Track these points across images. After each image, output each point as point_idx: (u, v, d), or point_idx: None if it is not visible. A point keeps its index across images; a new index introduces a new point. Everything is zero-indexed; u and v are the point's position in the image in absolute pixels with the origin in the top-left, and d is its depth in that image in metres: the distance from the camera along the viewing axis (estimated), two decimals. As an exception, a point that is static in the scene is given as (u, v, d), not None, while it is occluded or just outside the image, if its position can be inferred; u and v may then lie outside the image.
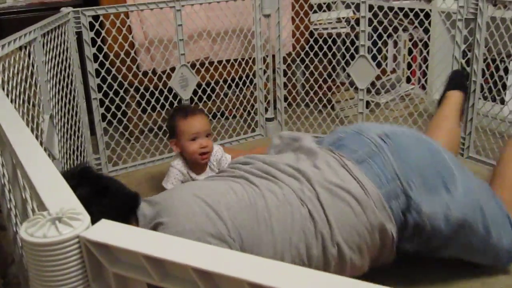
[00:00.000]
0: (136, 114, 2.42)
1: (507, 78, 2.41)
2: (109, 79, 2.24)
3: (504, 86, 2.39)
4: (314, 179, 1.32)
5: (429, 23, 2.53)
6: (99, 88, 2.22)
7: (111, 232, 0.44)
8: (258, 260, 0.40)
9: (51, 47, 1.87)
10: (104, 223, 0.46)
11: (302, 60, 2.63)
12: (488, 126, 2.28)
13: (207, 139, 1.89)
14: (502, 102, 2.44)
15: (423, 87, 2.90)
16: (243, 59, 2.59)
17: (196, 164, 1.93)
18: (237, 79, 2.60)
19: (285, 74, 2.59)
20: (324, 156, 1.41)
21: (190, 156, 1.89)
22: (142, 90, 2.36)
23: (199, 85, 2.44)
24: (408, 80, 3.00)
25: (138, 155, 2.41)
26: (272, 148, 1.65)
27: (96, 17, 2.17)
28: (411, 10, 2.39)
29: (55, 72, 1.89)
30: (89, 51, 2.16)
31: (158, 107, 2.42)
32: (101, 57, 2.20)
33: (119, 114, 2.32)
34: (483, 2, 2.07)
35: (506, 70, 2.32)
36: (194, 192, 1.26)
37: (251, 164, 1.43)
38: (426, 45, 2.59)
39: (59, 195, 0.52)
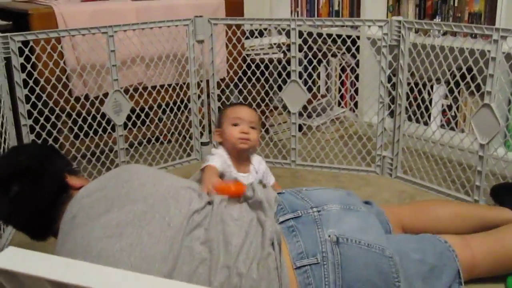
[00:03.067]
0: (68, 140, 2.39)
1: (429, 101, 2.53)
2: (39, 105, 2.20)
3: (427, 109, 2.51)
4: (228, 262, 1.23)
5: (357, 49, 2.63)
6: (29, 114, 2.18)
7: (17, 259, 0.45)
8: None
9: (-23, 73, 1.83)
10: (11, 250, 0.46)
11: (236, 85, 2.67)
12: (413, 146, 2.39)
13: (251, 129, 1.84)
14: (426, 123, 2.57)
15: (353, 110, 3.00)
16: (177, 84, 2.61)
17: (237, 155, 1.85)
18: (171, 104, 2.62)
19: (219, 98, 2.62)
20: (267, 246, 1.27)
21: (229, 140, 1.82)
22: (74, 115, 2.33)
23: (133, 110, 2.43)
24: (339, 104, 3.10)
25: (71, 181, 2.37)
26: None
27: (26, 42, 2.14)
28: (339, 36, 2.49)
29: (-19, 99, 1.85)
30: (19, 76, 2.13)
31: (91, 132, 2.40)
32: (31, 82, 2.17)
33: (50, 141, 2.28)
34: (405, 29, 2.19)
35: (428, 94, 2.44)
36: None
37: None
38: (354, 70, 2.68)
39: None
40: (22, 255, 0.46)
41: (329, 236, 1.30)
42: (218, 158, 1.79)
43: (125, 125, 2.42)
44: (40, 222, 1.36)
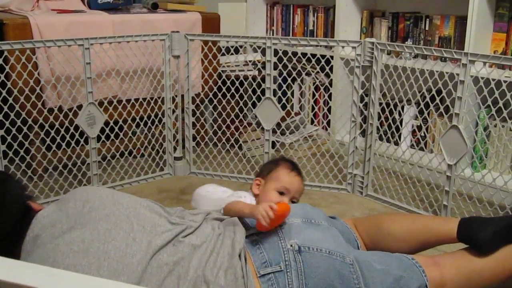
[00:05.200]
0: (40, 152, 2.37)
1: (400, 121, 2.59)
2: (12, 115, 2.18)
3: (398, 129, 2.57)
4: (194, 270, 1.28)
5: (330, 69, 2.68)
6: (1, 124, 2.16)
7: (2, 268, 0.46)
8: None
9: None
10: (-7, 259, 0.47)
11: (211, 101, 2.69)
12: (384, 165, 2.44)
13: (291, 202, 1.69)
14: (396, 143, 2.62)
15: (326, 128, 3.04)
16: (152, 98, 2.62)
17: None
18: (145, 118, 2.62)
19: (193, 113, 2.64)
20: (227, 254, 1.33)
21: (265, 202, 1.62)
22: (47, 127, 2.31)
23: (106, 123, 2.43)
24: (312, 122, 3.15)
25: (42, 193, 2.35)
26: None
27: (0, 52, 2.13)
28: (313, 55, 2.53)
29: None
30: (-9, 86, 2.11)
31: (63, 144, 2.38)
32: (4, 92, 2.15)
33: (21, 152, 2.25)
34: (378, 51, 2.24)
35: (399, 114, 2.50)
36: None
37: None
38: (328, 89, 2.73)
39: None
40: (7, 263, 0.47)
41: (291, 245, 1.36)
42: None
43: (98, 138, 2.41)
44: (3, 248, 1.31)
